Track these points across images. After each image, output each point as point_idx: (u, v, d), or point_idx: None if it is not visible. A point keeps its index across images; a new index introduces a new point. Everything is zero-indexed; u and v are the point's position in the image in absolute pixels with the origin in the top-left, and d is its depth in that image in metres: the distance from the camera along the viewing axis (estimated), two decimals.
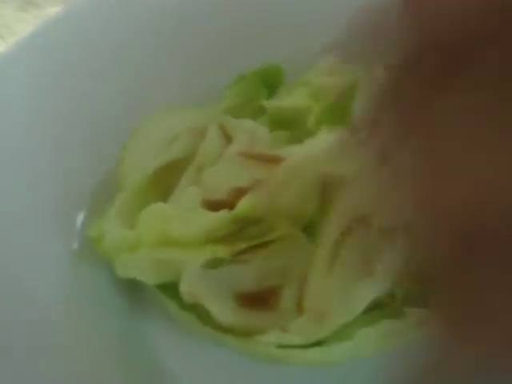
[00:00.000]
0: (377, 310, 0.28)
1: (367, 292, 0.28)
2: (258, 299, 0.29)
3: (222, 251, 0.29)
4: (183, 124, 0.34)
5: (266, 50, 0.37)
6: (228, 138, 0.33)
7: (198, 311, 0.29)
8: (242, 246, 0.29)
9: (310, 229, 0.29)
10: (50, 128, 0.35)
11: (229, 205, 0.29)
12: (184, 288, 0.29)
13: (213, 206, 0.30)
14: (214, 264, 0.29)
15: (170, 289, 0.30)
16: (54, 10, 0.47)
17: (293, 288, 0.29)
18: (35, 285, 0.32)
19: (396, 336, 0.29)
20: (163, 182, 0.32)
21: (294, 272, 0.29)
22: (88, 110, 0.36)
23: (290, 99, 0.34)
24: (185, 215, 0.30)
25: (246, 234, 0.29)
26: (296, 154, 0.30)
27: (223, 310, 0.28)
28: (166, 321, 0.32)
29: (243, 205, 0.29)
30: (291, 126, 0.34)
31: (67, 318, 0.32)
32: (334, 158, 0.29)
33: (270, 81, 0.36)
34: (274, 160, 0.30)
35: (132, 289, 0.33)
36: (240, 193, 0.30)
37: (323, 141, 0.30)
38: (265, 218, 0.29)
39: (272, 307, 0.29)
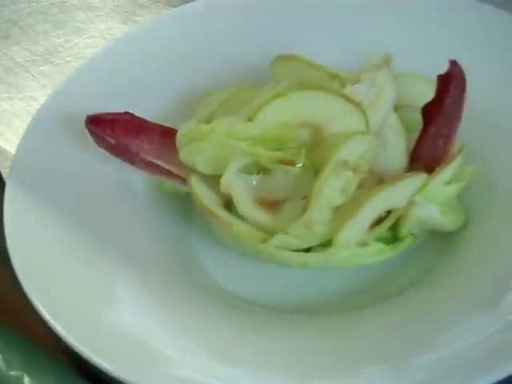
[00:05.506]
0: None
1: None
2: (272, 205, 0.39)
3: (264, 155, 0.39)
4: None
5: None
6: None
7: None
8: (279, 155, 0.39)
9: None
10: None
11: None
12: (224, 179, 0.39)
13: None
14: (249, 170, 0.39)
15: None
16: None
17: (298, 202, 0.39)
18: None
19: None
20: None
21: (300, 191, 0.39)
22: None
23: None
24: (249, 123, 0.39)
25: (284, 151, 0.39)
26: None
27: (245, 206, 0.39)
28: (209, 236, 0.43)
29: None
30: None
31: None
32: None
33: None
34: None
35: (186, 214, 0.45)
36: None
37: None
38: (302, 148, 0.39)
39: (280, 213, 0.39)
